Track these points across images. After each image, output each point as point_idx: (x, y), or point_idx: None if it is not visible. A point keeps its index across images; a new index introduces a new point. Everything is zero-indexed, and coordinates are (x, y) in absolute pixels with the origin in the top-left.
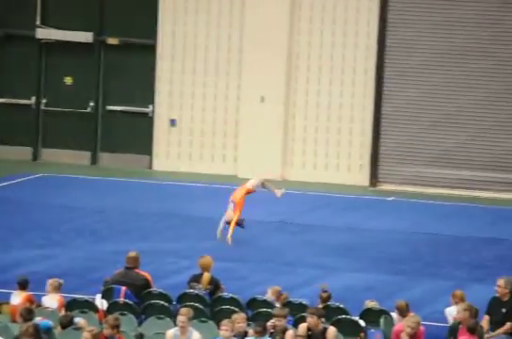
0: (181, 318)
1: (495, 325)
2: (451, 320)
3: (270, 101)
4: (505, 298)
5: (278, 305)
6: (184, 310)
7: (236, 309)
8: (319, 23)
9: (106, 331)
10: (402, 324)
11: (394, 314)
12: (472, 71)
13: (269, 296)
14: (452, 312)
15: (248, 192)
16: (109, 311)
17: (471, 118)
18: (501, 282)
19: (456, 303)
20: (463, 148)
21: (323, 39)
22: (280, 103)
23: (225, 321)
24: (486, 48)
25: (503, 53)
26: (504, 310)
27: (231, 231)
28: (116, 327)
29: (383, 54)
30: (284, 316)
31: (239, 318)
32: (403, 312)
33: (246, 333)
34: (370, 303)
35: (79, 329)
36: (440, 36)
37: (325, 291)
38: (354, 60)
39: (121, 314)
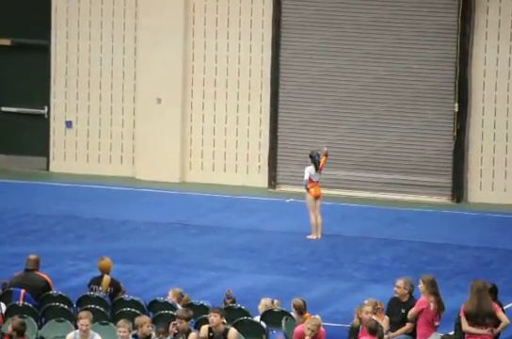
0: (83, 322)
1: (395, 325)
2: None
3: (167, 102)
4: (405, 299)
5: (179, 307)
6: (83, 313)
7: (137, 311)
8: (213, 24)
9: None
10: (303, 325)
11: (293, 314)
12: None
13: (170, 298)
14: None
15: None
16: (8, 314)
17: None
18: (400, 282)
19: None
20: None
21: (217, 41)
22: (177, 104)
23: (121, 322)
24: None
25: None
26: (403, 310)
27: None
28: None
29: (278, 55)
30: (187, 319)
31: (148, 322)
32: (301, 310)
33: (149, 336)
34: (264, 301)
35: None
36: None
37: (229, 297)
38: (249, 62)
39: (21, 317)
